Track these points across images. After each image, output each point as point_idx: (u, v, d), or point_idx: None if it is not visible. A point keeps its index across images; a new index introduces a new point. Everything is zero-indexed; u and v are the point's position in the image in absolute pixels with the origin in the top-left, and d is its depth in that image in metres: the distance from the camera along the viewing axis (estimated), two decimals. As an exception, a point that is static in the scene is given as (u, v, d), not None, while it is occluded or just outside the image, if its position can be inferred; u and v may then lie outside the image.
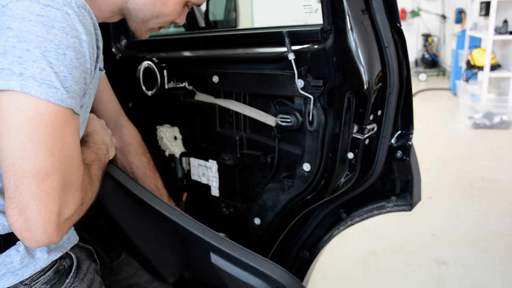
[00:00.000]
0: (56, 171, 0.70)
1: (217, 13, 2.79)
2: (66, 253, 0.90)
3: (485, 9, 5.19)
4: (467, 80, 5.46)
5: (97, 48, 0.80)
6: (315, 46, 1.10)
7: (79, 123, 0.78)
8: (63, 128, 0.71)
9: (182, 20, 1.03)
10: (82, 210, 0.79)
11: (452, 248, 2.59)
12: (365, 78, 1.04)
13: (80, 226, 0.98)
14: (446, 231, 2.79)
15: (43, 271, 0.84)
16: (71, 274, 0.88)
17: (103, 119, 1.11)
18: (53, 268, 0.85)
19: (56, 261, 0.86)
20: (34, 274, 0.82)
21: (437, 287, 2.27)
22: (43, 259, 0.83)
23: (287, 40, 1.09)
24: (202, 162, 1.47)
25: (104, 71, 0.98)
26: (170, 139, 1.49)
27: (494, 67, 5.01)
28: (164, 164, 1.57)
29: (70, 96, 0.72)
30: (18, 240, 0.79)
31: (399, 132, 1.21)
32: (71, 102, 0.72)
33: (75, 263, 0.90)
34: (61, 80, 0.70)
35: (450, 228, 2.82)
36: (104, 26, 1.53)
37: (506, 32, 4.84)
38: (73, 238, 0.93)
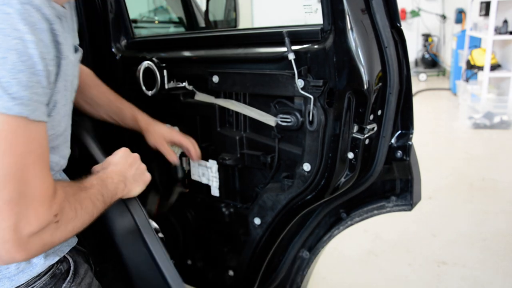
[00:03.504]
0: (7, 184, 0.64)
1: (217, 13, 2.79)
2: (64, 256, 0.88)
3: (485, 9, 5.19)
4: (467, 80, 5.46)
5: (58, 43, 0.74)
6: (315, 46, 1.10)
7: (43, 130, 0.71)
8: (13, 138, 0.65)
9: None
10: (64, 230, 0.73)
11: (452, 248, 2.59)
12: (365, 78, 1.04)
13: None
14: (446, 231, 2.79)
15: (39, 276, 0.82)
16: (68, 278, 0.86)
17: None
18: (49, 273, 0.84)
19: (52, 265, 0.84)
20: (31, 279, 0.81)
21: (437, 287, 2.27)
22: (40, 264, 0.81)
23: (287, 40, 1.09)
24: (202, 162, 1.47)
25: (81, 52, 0.93)
26: (170, 139, 1.49)
27: (494, 67, 5.01)
28: (164, 164, 1.57)
29: (19, 103, 0.64)
30: None
31: (399, 132, 1.22)
32: (22, 110, 0.65)
33: (72, 267, 0.88)
34: (4, 86, 0.63)
35: (450, 228, 2.82)
36: (104, 26, 1.54)
37: (506, 32, 4.84)
38: (71, 240, 0.91)
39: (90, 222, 0.81)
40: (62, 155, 0.90)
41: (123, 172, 0.96)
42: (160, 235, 1.00)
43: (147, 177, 1.03)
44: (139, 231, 1.00)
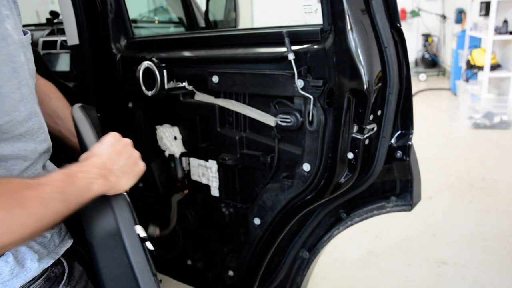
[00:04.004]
0: None
1: (217, 13, 2.79)
2: (58, 259, 0.85)
3: (485, 9, 5.19)
4: (467, 80, 5.46)
5: None
6: (315, 46, 1.10)
7: None
8: None
9: None
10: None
11: (452, 248, 2.59)
12: (365, 78, 1.04)
13: (75, 226, 0.95)
14: (446, 231, 2.79)
15: (34, 280, 0.80)
16: (63, 282, 0.84)
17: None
18: (43, 276, 0.81)
19: (47, 268, 0.82)
20: (25, 283, 0.79)
21: (437, 287, 2.27)
22: (34, 268, 0.79)
23: (287, 40, 1.09)
24: (202, 162, 1.47)
25: (29, 35, 0.85)
26: (170, 139, 1.49)
27: (494, 67, 5.01)
28: (164, 164, 1.57)
29: None
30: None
31: (399, 132, 1.21)
32: None
33: (66, 270, 0.86)
34: None
35: (450, 228, 2.82)
36: (104, 26, 1.54)
37: (506, 32, 4.84)
38: (66, 241, 0.89)
39: (44, 225, 0.70)
40: (39, 140, 0.84)
41: (107, 164, 0.81)
42: (150, 246, 0.83)
43: (140, 167, 0.87)
44: (121, 236, 0.81)
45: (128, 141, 0.88)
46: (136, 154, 0.87)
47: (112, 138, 0.86)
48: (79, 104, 1.11)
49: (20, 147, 0.80)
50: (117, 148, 0.85)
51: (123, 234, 0.81)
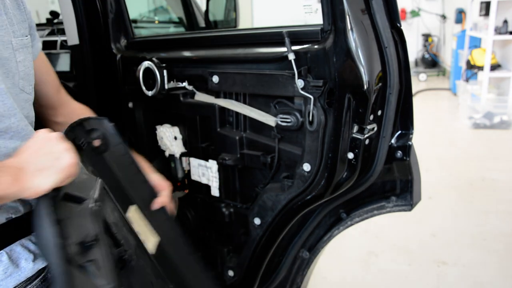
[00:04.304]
0: None
1: (217, 13, 2.79)
2: None
3: (485, 9, 5.19)
4: (467, 80, 5.46)
5: None
6: (315, 46, 1.10)
7: None
8: None
9: None
10: None
11: (452, 248, 2.59)
12: (365, 78, 1.04)
13: None
14: (446, 231, 2.79)
15: (30, 280, 0.79)
16: None
17: (42, 98, 1.00)
18: (40, 277, 0.81)
19: (43, 268, 0.82)
20: (20, 283, 0.78)
21: (437, 287, 2.27)
22: (28, 268, 0.79)
23: (287, 40, 1.09)
24: (202, 162, 1.47)
25: (30, 40, 0.86)
26: (170, 139, 1.49)
27: (494, 67, 5.01)
28: (164, 164, 1.57)
29: None
30: (0, 250, 0.77)
31: (399, 132, 1.21)
32: None
33: None
34: None
35: (450, 228, 2.82)
36: (104, 26, 1.54)
37: (506, 32, 4.84)
38: None
39: None
40: (27, 138, 0.81)
41: (21, 163, 0.72)
42: (90, 263, 0.73)
43: (65, 161, 0.74)
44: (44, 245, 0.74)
45: (51, 136, 0.77)
46: (60, 148, 0.75)
47: (36, 136, 0.78)
48: (91, 116, 1.13)
49: (1, 144, 0.79)
50: (37, 145, 0.76)
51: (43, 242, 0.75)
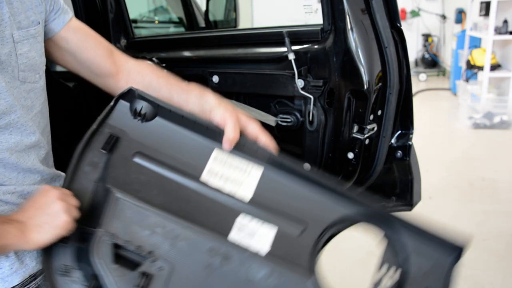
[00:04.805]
0: None
1: (217, 13, 2.80)
2: None
3: (485, 9, 5.19)
4: (467, 80, 5.46)
5: None
6: (315, 46, 1.10)
7: None
8: None
9: None
10: None
11: (452, 248, 2.59)
12: (365, 78, 1.04)
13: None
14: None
15: (34, 276, 0.81)
16: None
17: (94, 67, 0.96)
18: (43, 274, 0.82)
19: None
20: (24, 279, 0.80)
21: (437, 287, 2.27)
22: (32, 266, 0.81)
23: (287, 40, 1.09)
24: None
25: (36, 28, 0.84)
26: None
27: (494, 67, 5.01)
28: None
29: None
30: None
31: (399, 132, 1.22)
32: None
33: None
34: None
35: (450, 228, 2.82)
36: (104, 26, 1.54)
37: (506, 32, 4.84)
38: None
39: None
40: (27, 133, 0.83)
41: (23, 217, 0.78)
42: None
43: (61, 220, 0.79)
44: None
45: (53, 194, 0.81)
46: (58, 207, 0.79)
47: (39, 193, 0.82)
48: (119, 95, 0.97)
49: (2, 139, 0.80)
50: (38, 203, 0.80)
51: None
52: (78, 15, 1.53)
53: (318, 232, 0.86)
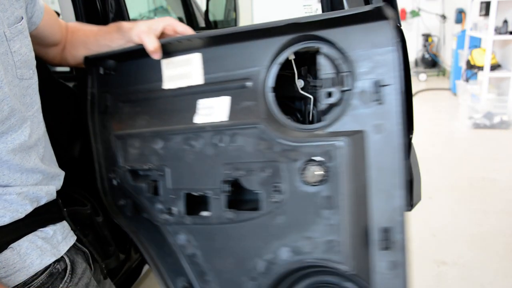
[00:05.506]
0: None
1: (217, 13, 2.80)
2: (61, 255, 0.86)
3: (485, 9, 5.20)
4: (467, 80, 5.47)
5: None
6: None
7: None
8: None
9: None
10: None
11: (452, 248, 2.60)
12: (365, 78, 1.03)
13: (78, 225, 0.97)
14: (446, 231, 2.79)
15: (36, 275, 0.81)
16: (65, 278, 0.85)
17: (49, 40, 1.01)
18: (46, 272, 0.82)
19: (50, 264, 0.83)
20: (27, 278, 0.79)
21: (437, 287, 2.27)
22: (36, 264, 0.80)
23: (287, 40, 1.09)
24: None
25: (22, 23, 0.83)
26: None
27: (494, 67, 5.02)
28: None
29: None
30: (8, 245, 0.78)
31: None
32: None
33: (69, 267, 0.86)
34: None
35: (450, 228, 2.82)
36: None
37: (506, 32, 4.84)
38: (69, 239, 0.89)
39: None
40: (30, 132, 0.82)
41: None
42: None
43: None
44: None
45: None
46: None
47: None
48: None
49: (8, 141, 0.78)
50: None
51: None
52: (78, 15, 1.53)
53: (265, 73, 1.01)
